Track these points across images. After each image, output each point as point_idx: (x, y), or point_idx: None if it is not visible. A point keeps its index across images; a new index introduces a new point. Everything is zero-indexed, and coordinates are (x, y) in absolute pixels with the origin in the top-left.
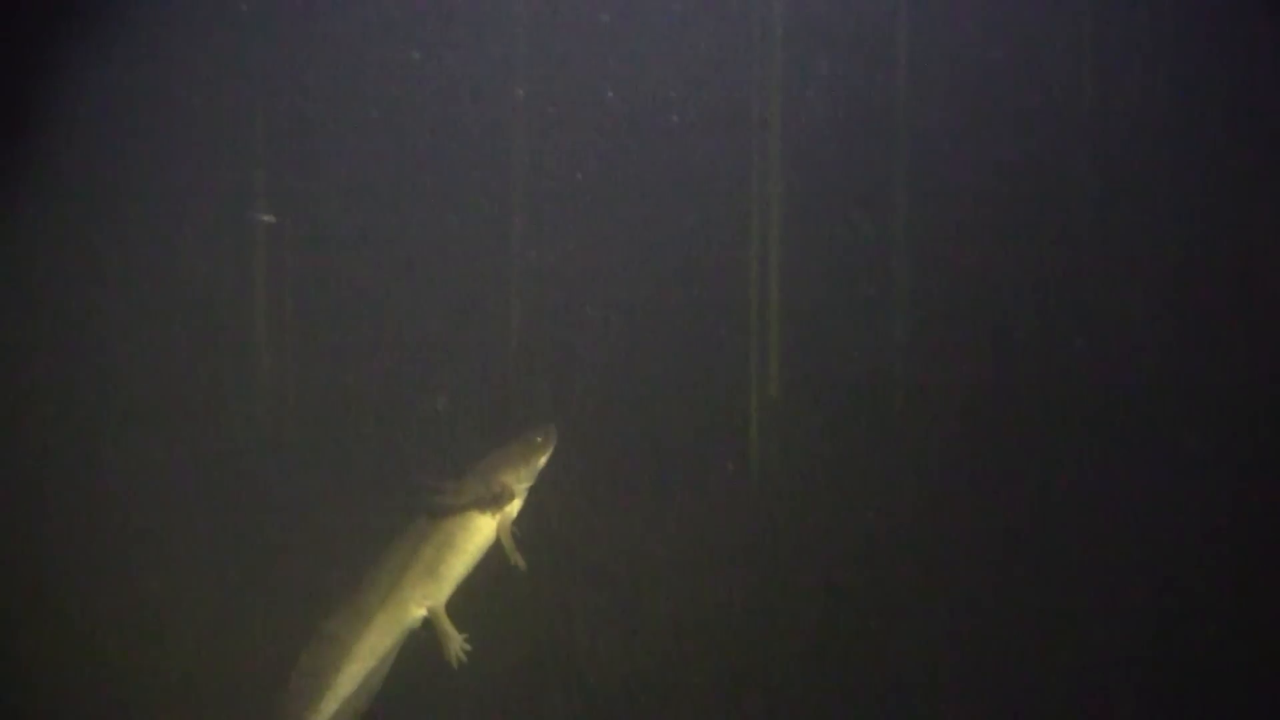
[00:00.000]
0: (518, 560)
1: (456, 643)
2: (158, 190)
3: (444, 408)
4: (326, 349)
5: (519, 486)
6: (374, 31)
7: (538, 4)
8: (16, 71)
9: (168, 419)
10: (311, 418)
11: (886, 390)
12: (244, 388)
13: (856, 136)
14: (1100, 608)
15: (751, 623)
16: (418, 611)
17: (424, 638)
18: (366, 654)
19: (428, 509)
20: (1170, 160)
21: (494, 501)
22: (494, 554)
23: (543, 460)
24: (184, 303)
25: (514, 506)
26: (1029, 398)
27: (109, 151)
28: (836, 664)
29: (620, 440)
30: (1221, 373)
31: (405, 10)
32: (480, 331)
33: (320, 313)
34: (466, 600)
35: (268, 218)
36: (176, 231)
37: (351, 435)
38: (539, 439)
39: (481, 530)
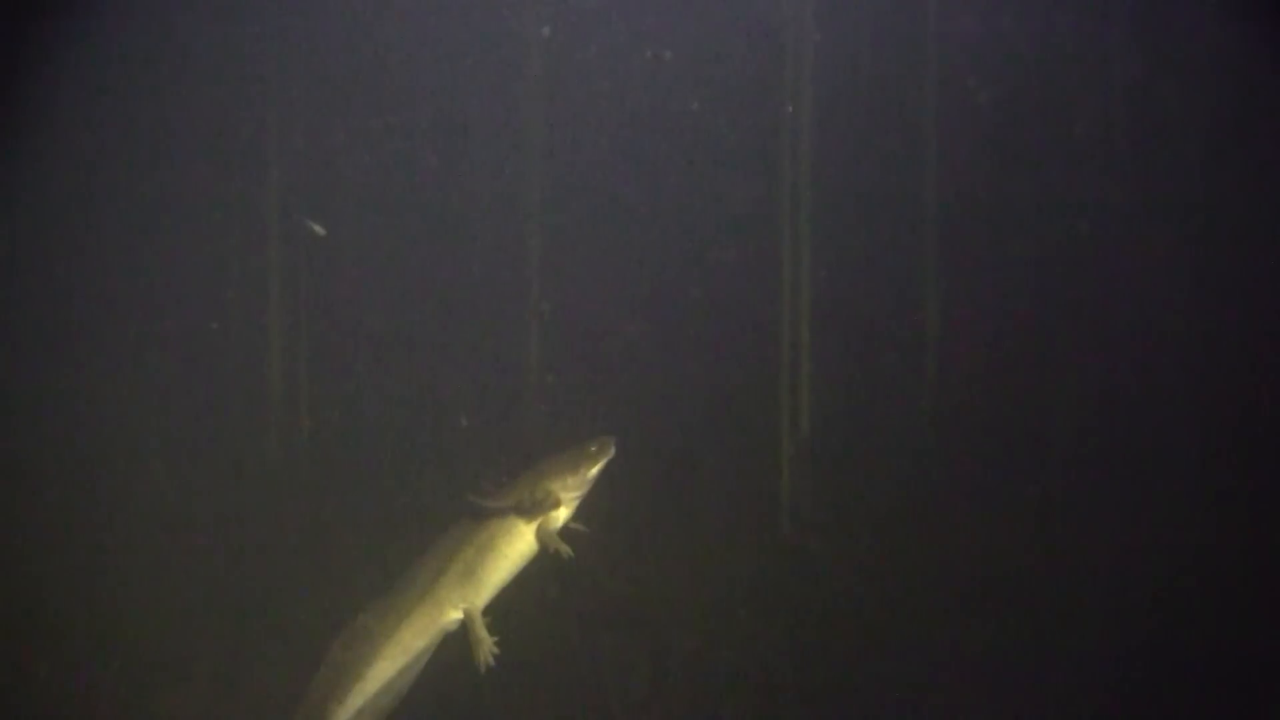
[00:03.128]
0: (562, 548)
1: (486, 646)
2: (166, 207)
3: (467, 425)
4: (352, 362)
5: (566, 495)
6: (387, 37)
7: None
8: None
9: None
10: (341, 429)
11: (918, 425)
12: (268, 399)
13: (888, 166)
14: (1138, 638)
15: (782, 665)
16: (454, 613)
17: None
18: (398, 652)
19: (471, 511)
20: (1185, 165)
21: (538, 507)
22: (535, 570)
23: (594, 470)
24: (203, 317)
25: (560, 514)
26: (1063, 432)
27: (116, 155)
28: (869, 705)
29: (650, 479)
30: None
31: (421, 14)
32: (506, 359)
33: (344, 324)
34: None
35: (318, 229)
36: (194, 250)
37: (380, 446)
38: (593, 448)
39: (524, 536)
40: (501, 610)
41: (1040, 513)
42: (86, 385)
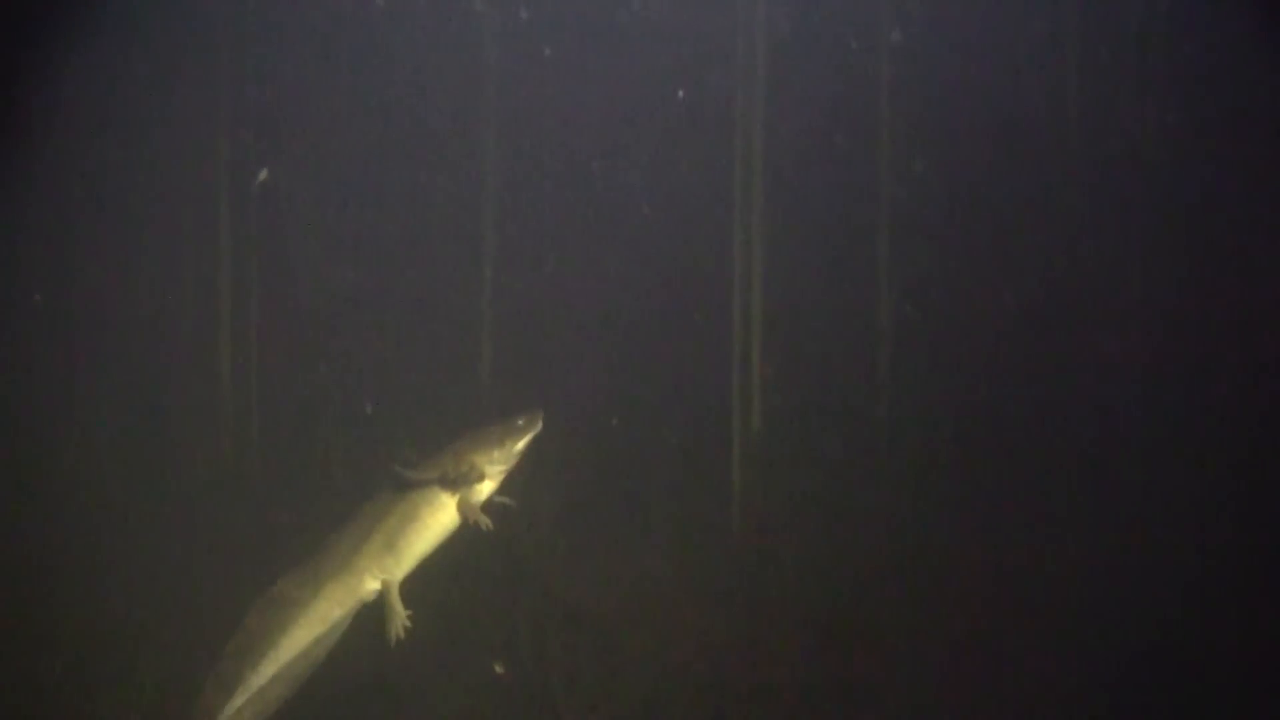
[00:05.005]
0: (483, 520)
1: (400, 618)
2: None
3: (372, 411)
4: (296, 350)
5: (491, 468)
6: (352, 32)
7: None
8: None
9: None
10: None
11: (871, 421)
12: (218, 399)
13: (841, 160)
14: (1093, 642)
15: (732, 664)
16: (372, 584)
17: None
18: (315, 621)
19: (394, 481)
20: (1163, 172)
21: (462, 479)
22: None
23: (521, 444)
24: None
25: (485, 487)
26: (1018, 425)
27: (70, 149)
28: (821, 704)
29: (599, 474)
30: (1219, 392)
31: (386, 9)
32: (455, 358)
33: (291, 312)
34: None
35: (262, 177)
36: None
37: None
38: (520, 422)
39: (447, 508)
40: (449, 609)
41: (995, 509)
42: (28, 382)
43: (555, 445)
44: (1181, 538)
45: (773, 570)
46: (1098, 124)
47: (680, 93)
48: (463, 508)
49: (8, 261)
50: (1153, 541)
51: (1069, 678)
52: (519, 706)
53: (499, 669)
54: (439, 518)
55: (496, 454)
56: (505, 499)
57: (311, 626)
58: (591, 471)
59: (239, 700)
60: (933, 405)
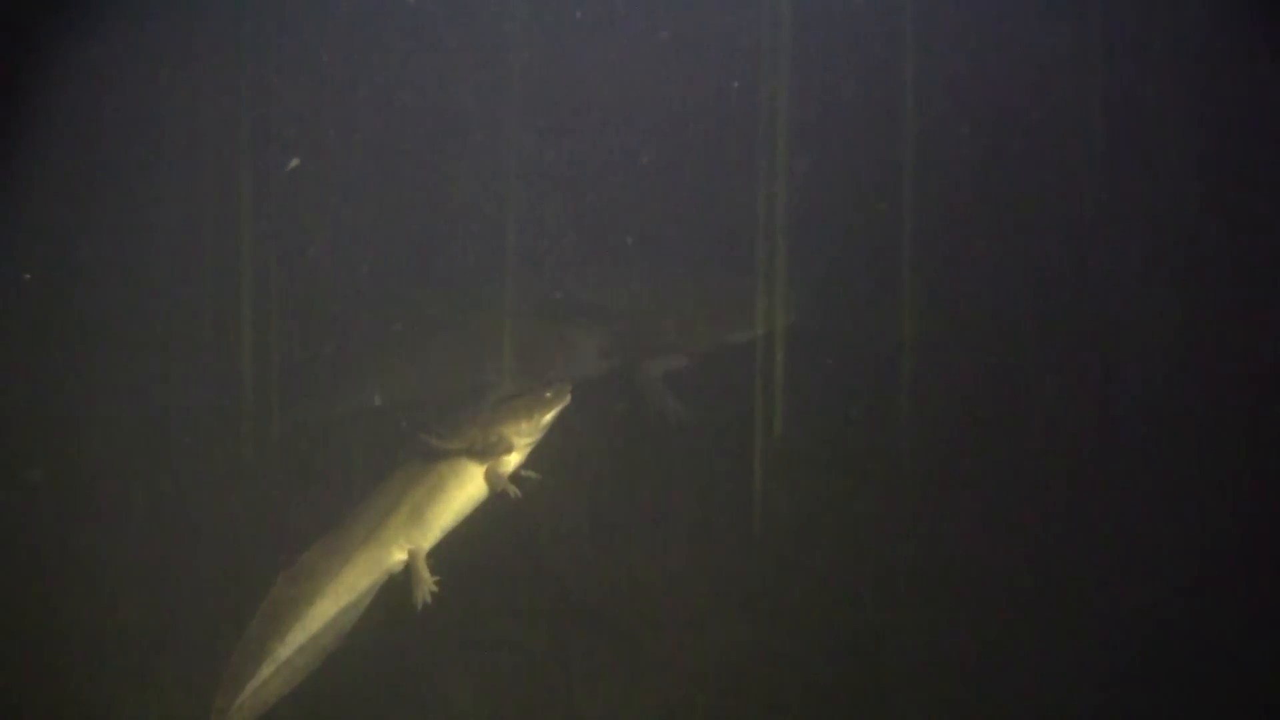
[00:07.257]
0: (510, 489)
1: (426, 584)
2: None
3: (379, 402)
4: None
5: (519, 440)
6: (367, 33)
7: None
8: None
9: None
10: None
11: (893, 426)
12: (240, 398)
13: (866, 165)
14: (1115, 650)
15: (754, 668)
16: (399, 554)
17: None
18: (342, 591)
19: (423, 452)
20: (1177, 165)
21: (489, 450)
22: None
23: (548, 417)
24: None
25: (512, 459)
26: (1037, 433)
27: (89, 148)
28: (842, 710)
29: (622, 477)
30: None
31: (403, 12)
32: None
33: (308, 307)
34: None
35: (294, 164)
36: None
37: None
38: (547, 395)
39: (474, 479)
40: (471, 610)
41: (1016, 513)
42: (47, 381)
43: (580, 447)
44: (1197, 549)
45: (794, 575)
46: (1122, 125)
47: (735, 84)
48: (490, 478)
49: (11, 252)
50: (1171, 552)
51: (1093, 687)
52: (540, 707)
53: None
54: (466, 488)
55: (524, 425)
56: (531, 472)
57: (339, 596)
58: (614, 474)
59: (266, 671)
60: (955, 411)
